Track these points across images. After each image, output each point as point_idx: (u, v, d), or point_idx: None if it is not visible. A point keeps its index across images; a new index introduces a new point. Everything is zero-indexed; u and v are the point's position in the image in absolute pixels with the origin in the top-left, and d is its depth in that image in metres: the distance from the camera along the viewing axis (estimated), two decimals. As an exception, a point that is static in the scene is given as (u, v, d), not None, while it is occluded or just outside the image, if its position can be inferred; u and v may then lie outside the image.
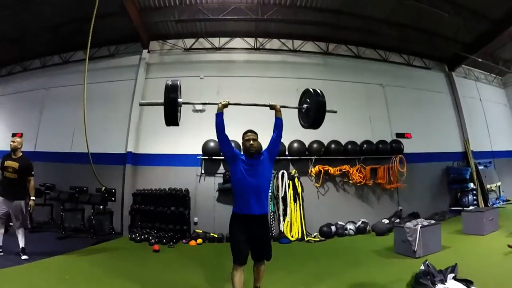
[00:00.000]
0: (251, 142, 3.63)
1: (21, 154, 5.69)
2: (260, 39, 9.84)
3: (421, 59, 11.48)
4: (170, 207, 8.00)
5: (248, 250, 3.51)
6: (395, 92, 10.48)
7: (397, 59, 11.07)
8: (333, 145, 8.75)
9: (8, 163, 5.54)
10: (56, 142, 10.00)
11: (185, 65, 9.64)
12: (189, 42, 9.82)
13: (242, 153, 3.75)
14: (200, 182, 8.56)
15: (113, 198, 8.27)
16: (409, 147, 9.77)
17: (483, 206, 9.98)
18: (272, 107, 3.93)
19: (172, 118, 3.87)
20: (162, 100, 3.75)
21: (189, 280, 4.67)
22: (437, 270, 4.08)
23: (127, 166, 8.76)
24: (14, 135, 10.30)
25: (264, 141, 3.73)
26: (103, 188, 7.90)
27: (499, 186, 11.25)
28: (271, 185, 8.18)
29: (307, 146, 8.66)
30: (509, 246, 5.44)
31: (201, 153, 8.41)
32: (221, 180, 8.36)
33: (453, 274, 3.96)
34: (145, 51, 9.71)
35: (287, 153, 8.57)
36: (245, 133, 3.76)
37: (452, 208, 10.00)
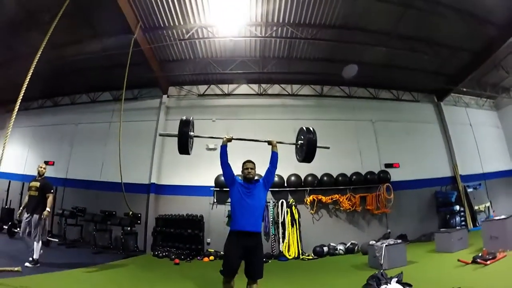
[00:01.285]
0: (249, 170, 4.41)
1: (44, 177, 6.96)
2: (263, 85, 12.18)
3: (410, 93, 13.39)
4: (187, 229, 10.13)
5: (238, 265, 4.09)
6: (385, 126, 12.46)
7: (387, 95, 13.10)
8: (325, 178, 10.85)
9: (32, 184, 6.84)
10: (86, 172, 12.18)
11: (199, 109, 11.89)
12: (202, 88, 12.23)
13: (240, 179, 4.49)
14: (212, 209, 10.74)
15: (139, 221, 10.39)
16: (397, 175, 11.61)
17: (471, 227, 11.41)
18: (269, 142, 4.77)
19: (183, 147, 4.84)
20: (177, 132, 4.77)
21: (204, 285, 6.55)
22: (387, 276, 5.94)
23: (151, 195, 10.97)
24: (46, 163, 12.59)
25: (262, 171, 4.86)
26: (131, 212, 9.89)
27: (488, 207, 12.51)
28: (272, 211, 10.35)
29: (302, 178, 10.76)
30: (458, 260, 7.11)
31: (213, 185, 10.59)
32: (230, 208, 10.32)
33: (396, 279, 5.81)
34: (164, 96, 12.14)
35: (285, 184, 10.67)
36: (244, 163, 4.51)
37: (441, 230, 11.38)
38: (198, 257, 9.51)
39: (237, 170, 4.57)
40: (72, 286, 5.54)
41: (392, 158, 12.02)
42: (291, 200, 10.61)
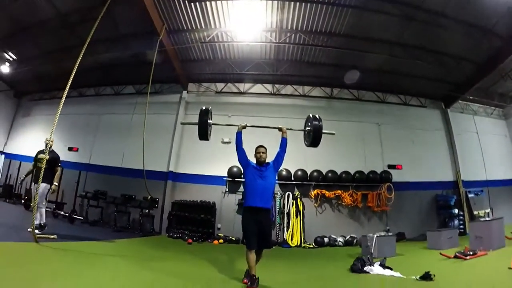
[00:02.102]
0: (261, 154, 4.98)
1: (52, 150, 7.07)
2: (277, 85, 13.35)
3: (418, 98, 14.19)
4: (200, 214, 11.44)
5: (257, 238, 4.66)
6: (390, 129, 13.39)
7: (394, 100, 14.01)
8: (330, 174, 11.97)
9: (40, 155, 7.13)
10: (108, 158, 13.53)
11: (216, 105, 12.80)
12: (220, 86, 13.50)
13: (253, 162, 5.01)
14: (224, 197, 12.03)
15: (156, 205, 11.62)
16: (400, 177, 12.54)
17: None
18: (279, 129, 5.28)
19: (203, 134, 5.39)
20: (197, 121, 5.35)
21: (212, 261, 7.37)
22: (373, 261, 7.00)
23: (168, 182, 12.29)
24: (70, 149, 14.09)
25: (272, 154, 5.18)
26: (149, 197, 11.19)
27: (488, 213, 13.09)
28: (278, 202, 11.51)
29: (308, 174, 11.94)
30: (440, 254, 8.01)
31: (226, 175, 11.87)
32: (240, 197, 11.65)
33: (379, 262, 6.87)
34: (184, 91, 13.43)
35: (292, 178, 11.85)
36: (257, 148, 5.05)
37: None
38: (209, 240, 10.75)
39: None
40: (95, 251, 6.64)
41: (395, 160, 12.93)
42: (297, 193, 11.81)
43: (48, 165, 6.84)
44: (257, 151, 5.04)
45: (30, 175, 7.58)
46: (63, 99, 6.40)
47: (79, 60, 6.44)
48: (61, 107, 6.37)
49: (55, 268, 4.55)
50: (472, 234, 8.60)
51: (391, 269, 6.36)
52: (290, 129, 5.40)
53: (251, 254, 4.61)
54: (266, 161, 5.06)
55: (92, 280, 4.16)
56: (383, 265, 6.73)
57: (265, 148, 5.08)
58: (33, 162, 7.46)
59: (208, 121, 5.46)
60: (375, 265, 6.73)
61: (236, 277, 5.18)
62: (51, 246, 6.01)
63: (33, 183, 7.21)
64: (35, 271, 4.13)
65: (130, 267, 5.62)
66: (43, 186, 6.85)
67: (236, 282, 4.89)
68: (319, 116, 5.55)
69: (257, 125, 5.94)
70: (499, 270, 5.72)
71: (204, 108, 5.44)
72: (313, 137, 5.52)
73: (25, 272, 4.04)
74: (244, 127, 5.24)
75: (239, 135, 5.11)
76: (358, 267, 6.50)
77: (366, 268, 6.45)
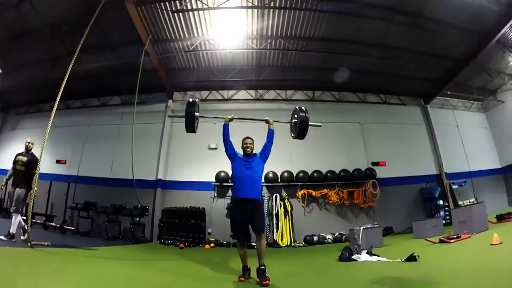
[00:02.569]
0: (248, 145, 4.99)
1: (31, 153, 7.07)
2: (260, 91, 13.74)
3: (398, 96, 14.75)
4: (190, 220, 11.59)
5: (246, 231, 4.72)
6: (372, 128, 13.87)
7: (375, 99, 14.54)
8: (315, 174, 12.32)
9: (18, 158, 6.99)
10: (97, 169, 13.62)
11: (201, 112, 13.22)
12: (204, 93, 13.82)
13: (241, 153, 5.01)
14: (213, 202, 12.22)
15: (146, 214, 11.78)
16: (384, 173, 12.98)
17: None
18: (266, 121, 5.35)
19: (190, 126, 5.41)
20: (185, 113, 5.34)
21: (205, 263, 7.57)
22: (360, 250, 7.34)
23: (158, 189, 12.45)
24: (58, 161, 14.13)
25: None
26: (139, 205, 11.38)
27: (472, 202, 13.00)
28: (267, 204, 11.75)
29: (295, 175, 12.26)
30: (425, 239, 8.28)
31: (214, 180, 12.09)
32: (229, 201, 11.81)
33: (366, 250, 7.21)
34: (170, 100, 13.73)
35: (279, 180, 12.15)
36: (244, 139, 5.07)
37: (419, 219, 12.36)
38: (200, 245, 10.93)
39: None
40: (89, 255, 6.83)
41: (379, 157, 13.37)
42: (284, 194, 12.11)
43: (26, 168, 6.84)
44: (244, 143, 5.07)
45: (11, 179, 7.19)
46: (55, 108, 6.51)
47: (69, 70, 6.61)
48: (53, 117, 6.49)
49: (53, 267, 4.79)
50: (455, 220, 9.01)
51: (377, 256, 6.68)
52: (277, 121, 5.53)
53: (241, 249, 4.75)
54: (254, 152, 5.09)
55: (88, 277, 4.42)
56: (370, 253, 7.04)
57: (252, 140, 5.10)
58: (12, 165, 7.14)
59: (195, 113, 5.48)
60: (362, 253, 7.04)
61: (228, 273, 5.40)
62: (45, 251, 6.20)
63: (12, 187, 6.96)
64: (34, 269, 4.40)
65: (123, 267, 5.88)
66: (18, 191, 6.74)
67: (230, 276, 5.06)
68: (305, 108, 5.68)
69: (244, 117, 6.10)
70: (481, 248, 6.12)
71: (191, 100, 5.49)
72: (300, 128, 5.62)
73: (25, 270, 4.29)
74: (231, 119, 5.33)
75: (226, 128, 5.17)
76: (345, 256, 6.80)
77: (354, 257, 6.75)
